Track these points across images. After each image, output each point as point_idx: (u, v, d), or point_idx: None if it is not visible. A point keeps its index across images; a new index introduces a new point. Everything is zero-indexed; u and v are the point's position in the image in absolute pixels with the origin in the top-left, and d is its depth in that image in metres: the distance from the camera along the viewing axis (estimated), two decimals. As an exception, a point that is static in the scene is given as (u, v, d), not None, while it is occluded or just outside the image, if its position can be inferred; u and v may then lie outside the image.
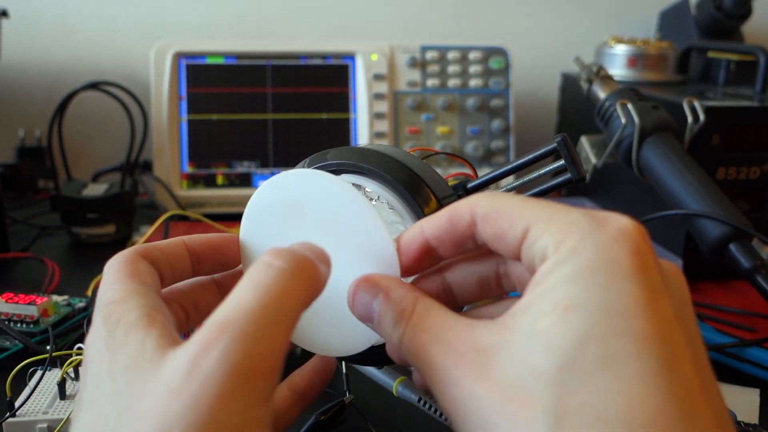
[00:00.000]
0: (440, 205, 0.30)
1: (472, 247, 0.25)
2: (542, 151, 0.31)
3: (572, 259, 0.21)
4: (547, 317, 0.21)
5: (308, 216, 0.28)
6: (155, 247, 0.28)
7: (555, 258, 0.21)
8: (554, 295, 0.21)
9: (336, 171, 0.32)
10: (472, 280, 0.27)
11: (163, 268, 0.28)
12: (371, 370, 0.42)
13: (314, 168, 0.32)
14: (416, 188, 0.30)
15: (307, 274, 0.23)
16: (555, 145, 0.32)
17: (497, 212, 0.24)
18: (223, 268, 0.31)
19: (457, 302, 0.28)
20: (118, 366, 0.22)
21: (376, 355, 0.32)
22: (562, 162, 0.32)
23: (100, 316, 0.24)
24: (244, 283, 0.22)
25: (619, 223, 0.22)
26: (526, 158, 0.31)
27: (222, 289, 0.31)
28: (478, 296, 0.27)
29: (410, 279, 0.28)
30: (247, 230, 0.30)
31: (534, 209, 0.23)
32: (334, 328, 0.29)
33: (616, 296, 0.20)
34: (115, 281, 0.25)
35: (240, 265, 0.31)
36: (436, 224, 0.25)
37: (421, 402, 0.39)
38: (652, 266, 0.21)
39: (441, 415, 0.38)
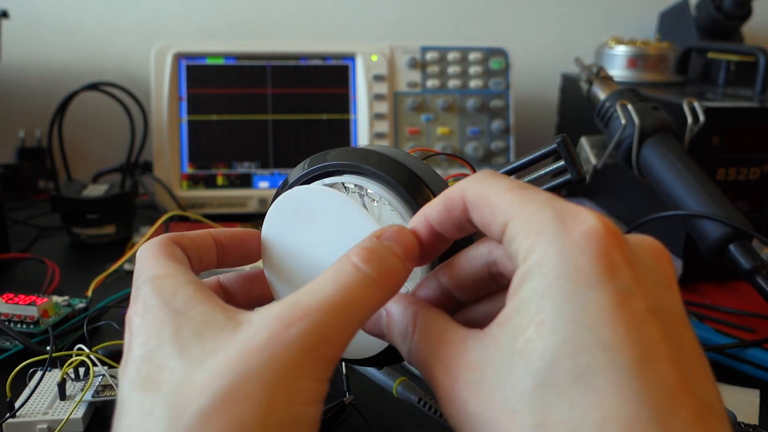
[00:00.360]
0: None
1: (473, 229, 0.26)
2: (542, 151, 0.31)
3: (540, 271, 0.21)
4: (523, 334, 0.21)
5: (322, 228, 0.29)
6: (185, 236, 0.29)
7: (524, 268, 0.22)
8: (528, 310, 0.21)
9: (336, 172, 0.32)
10: (468, 282, 0.27)
11: (192, 256, 0.29)
12: (371, 371, 0.42)
13: (314, 168, 0.32)
14: (416, 189, 0.30)
15: (388, 284, 0.24)
16: (555, 145, 0.32)
17: (482, 201, 0.24)
18: (246, 261, 0.32)
19: (458, 303, 0.28)
20: (184, 331, 0.23)
21: (376, 356, 0.32)
22: (562, 163, 0.32)
23: (149, 288, 0.25)
24: (330, 277, 0.24)
25: (585, 224, 0.22)
26: (526, 159, 0.31)
27: (227, 292, 0.32)
28: (477, 294, 0.28)
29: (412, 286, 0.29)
30: (269, 230, 0.31)
31: (513, 203, 0.23)
32: None
33: (583, 307, 0.20)
34: (157, 259, 0.27)
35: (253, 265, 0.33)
36: (435, 210, 0.26)
37: (421, 402, 0.39)
38: (618, 266, 0.21)
39: (441, 415, 0.38)
